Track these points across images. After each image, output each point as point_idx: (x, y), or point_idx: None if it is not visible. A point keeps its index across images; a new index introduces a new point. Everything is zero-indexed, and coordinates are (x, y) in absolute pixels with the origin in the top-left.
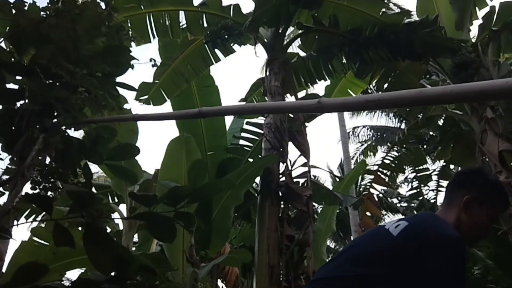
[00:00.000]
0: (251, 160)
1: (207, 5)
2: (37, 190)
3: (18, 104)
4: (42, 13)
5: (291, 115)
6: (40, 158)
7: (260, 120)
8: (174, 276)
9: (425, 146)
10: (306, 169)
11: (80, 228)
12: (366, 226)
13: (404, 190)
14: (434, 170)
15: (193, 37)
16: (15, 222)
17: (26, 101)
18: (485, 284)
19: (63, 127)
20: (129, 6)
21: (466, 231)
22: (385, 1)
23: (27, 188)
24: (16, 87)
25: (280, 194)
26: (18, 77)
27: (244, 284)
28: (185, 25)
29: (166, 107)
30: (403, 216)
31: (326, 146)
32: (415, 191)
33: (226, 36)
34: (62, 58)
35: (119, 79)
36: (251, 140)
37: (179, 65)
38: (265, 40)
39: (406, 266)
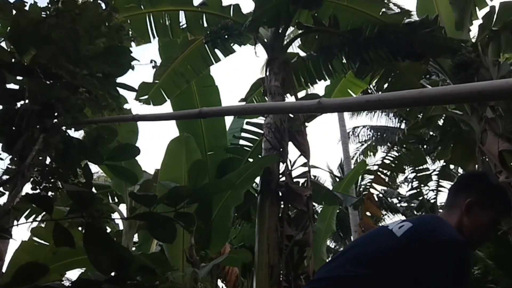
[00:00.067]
0: (251, 160)
1: (207, 5)
2: (38, 190)
3: (19, 104)
4: (42, 13)
5: (291, 115)
6: (40, 158)
7: (260, 120)
8: (174, 276)
9: (425, 146)
10: (306, 169)
11: (80, 228)
12: (366, 226)
13: (404, 190)
14: (434, 170)
15: (193, 37)
16: (15, 222)
17: (27, 101)
18: (485, 284)
19: (64, 127)
20: (129, 6)
21: (468, 234)
22: (385, 1)
23: (27, 188)
24: (16, 87)
25: (280, 194)
26: (19, 77)
27: (244, 284)
28: (185, 25)
29: (166, 107)
30: (403, 216)
31: (326, 146)
32: (415, 191)
33: (226, 36)
34: (63, 58)
35: (119, 79)
36: (251, 140)
37: (179, 65)
38: (265, 40)
39: (407, 267)
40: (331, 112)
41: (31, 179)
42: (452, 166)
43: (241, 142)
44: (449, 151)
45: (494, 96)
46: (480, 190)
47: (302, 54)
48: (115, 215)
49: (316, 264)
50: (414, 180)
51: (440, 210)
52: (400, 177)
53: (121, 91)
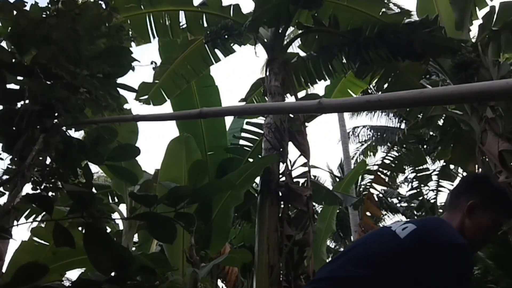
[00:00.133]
0: (251, 160)
1: (207, 5)
2: (38, 190)
3: (19, 104)
4: (42, 13)
5: (291, 115)
6: (40, 158)
7: (260, 120)
8: (174, 276)
9: (425, 146)
10: (306, 169)
11: (80, 228)
12: (366, 226)
13: (404, 190)
14: (434, 170)
15: (193, 37)
16: (15, 222)
17: (27, 101)
18: (485, 284)
19: (64, 128)
20: (129, 6)
21: (469, 236)
22: (385, 1)
23: (27, 188)
24: (17, 87)
25: (280, 194)
26: (19, 78)
27: (244, 284)
28: (185, 25)
29: (166, 107)
30: (403, 216)
31: (326, 146)
32: (415, 191)
33: (226, 36)
34: (63, 59)
35: (119, 79)
36: (251, 140)
37: (179, 65)
38: (265, 40)
39: (409, 268)
40: (331, 112)
41: (32, 179)
42: (452, 166)
43: (241, 142)
44: (449, 151)
45: (494, 96)
46: (482, 192)
47: (302, 54)
48: (115, 215)
49: (316, 264)
50: (414, 180)
51: (440, 210)
52: (400, 177)
53: (121, 91)
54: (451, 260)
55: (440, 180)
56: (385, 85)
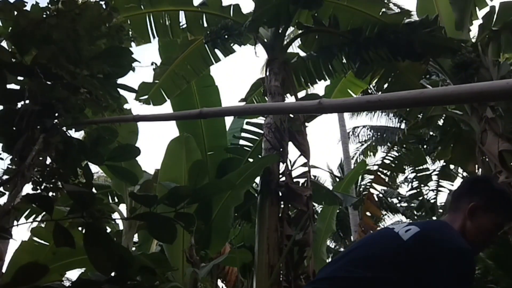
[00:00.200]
0: (251, 160)
1: (207, 5)
2: (38, 191)
3: (19, 104)
4: (42, 13)
5: (291, 115)
6: (40, 158)
7: (260, 120)
8: (174, 276)
9: (425, 146)
10: (306, 169)
11: (80, 228)
12: (366, 226)
13: (404, 190)
14: (434, 170)
15: (193, 37)
16: (15, 222)
17: (27, 101)
18: (485, 284)
19: (64, 128)
20: (129, 6)
21: (471, 238)
22: (385, 1)
23: (27, 188)
24: (17, 87)
25: (280, 194)
26: (20, 78)
27: (244, 284)
28: (185, 25)
29: (166, 107)
30: (403, 216)
31: (326, 146)
32: (415, 191)
33: (226, 36)
34: (63, 59)
35: (120, 80)
36: (251, 140)
37: (179, 65)
38: (265, 40)
39: (410, 271)
40: (331, 113)
41: (32, 179)
42: (452, 166)
43: (241, 142)
44: (449, 151)
45: (494, 96)
46: (484, 195)
47: (302, 54)
48: (115, 215)
49: (316, 264)
50: (414, 180)
51: (440, 210)
52: (400, 177)
53: (121, 91)
54: (453, 264)
55: (440, 180)
56: (385, 85)
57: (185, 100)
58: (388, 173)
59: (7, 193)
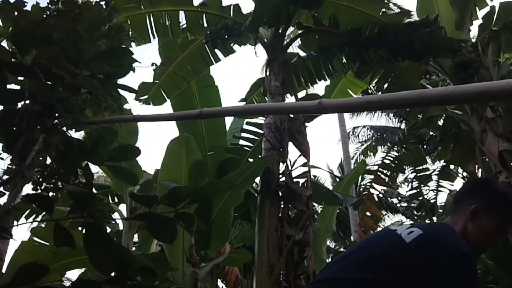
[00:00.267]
0: (251, 160)
1: (207, 5)
2: (38, 191)
3: (19, 104)
4: (42, 13)
5: (291, 115)
6: (40, 158)
7: (260, 120)
8: (174, 276)
9: (425, 146)
10: (306, 169)
11: (80, 228)
12: (366, 226)
13: (404, 190)
14: (434, 170)
15: (193, 37)
16: (15, 222)
17: (27, 101)
18: (485, 284)
19: (64, 128)
20: (129, 6)
21: (472, 240)
22: (385, 1)
23: (27, 188)
24: (17, 87)
25: (280, 194)
26: (20, 78)
27: (244, 284)
28: (185, 25)
29: (166, 107)
30: (403, 216)
31: (326, 146)
32: (415, 191)
33: (226, 36)
34: (63, 59)
35: (120, 80)
36: (251, 140)
37: (179, 65)
38: (265, 40)
39: (411, 273)
40: (332, 113)
41: (32, 179)
42: (452, 166)
43: (241, 142)
44: (449, 151)
45: (494, 96)
46: (486, 197)
47: (302, 54)
48: (115, 215)
49: (316, 264)
50: (414, 180)
51: (440, 210)
52: (400, 177)
53: (121, 91)
54: (453, 267)
55: (440, 180)
56: (385, 85)
57: (185, 100)
58: (388, 173)
59: (7, 193)
